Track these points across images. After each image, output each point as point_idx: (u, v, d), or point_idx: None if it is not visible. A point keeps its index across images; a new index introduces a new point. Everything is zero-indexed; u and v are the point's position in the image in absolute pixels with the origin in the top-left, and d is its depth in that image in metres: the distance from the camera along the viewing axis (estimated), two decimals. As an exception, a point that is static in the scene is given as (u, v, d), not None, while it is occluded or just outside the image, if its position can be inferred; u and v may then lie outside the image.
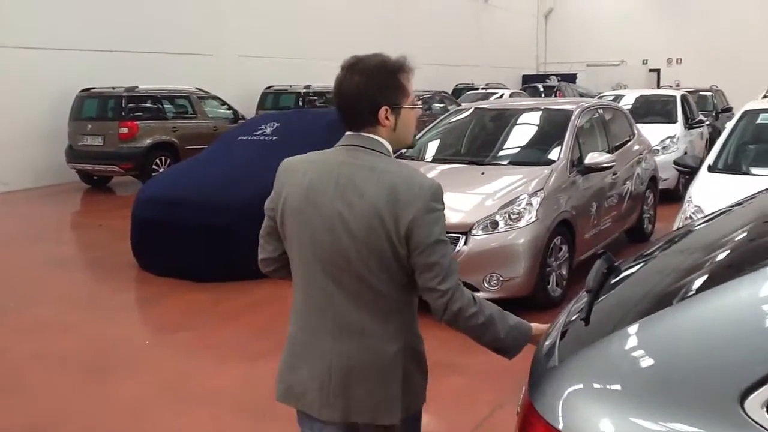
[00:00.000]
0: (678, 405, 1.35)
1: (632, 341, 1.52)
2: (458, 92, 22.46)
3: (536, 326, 2.04)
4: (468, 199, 5.52)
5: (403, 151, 5.53)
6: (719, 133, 7.79)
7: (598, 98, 11.76)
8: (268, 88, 16.68)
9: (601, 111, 7.36)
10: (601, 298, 1.82)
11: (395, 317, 1.94)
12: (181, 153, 12.41)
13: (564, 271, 5.78)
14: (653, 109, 11.76)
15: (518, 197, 5.47)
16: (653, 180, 8.04)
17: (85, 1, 13.73)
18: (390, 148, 1.96)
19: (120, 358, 4.89)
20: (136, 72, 13.70)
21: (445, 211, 1.91)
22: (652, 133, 9.50)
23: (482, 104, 9.14)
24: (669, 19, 29.53)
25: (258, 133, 7.89)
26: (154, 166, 12.17)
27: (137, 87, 12.64)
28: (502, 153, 6.58)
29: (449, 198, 1.95)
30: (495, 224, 5.32)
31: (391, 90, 1.92)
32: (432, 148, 6.85)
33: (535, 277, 5.36)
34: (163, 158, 12.42)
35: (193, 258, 6.54)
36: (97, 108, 12.71)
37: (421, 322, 2.05)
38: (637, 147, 7.75)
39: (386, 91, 1.91)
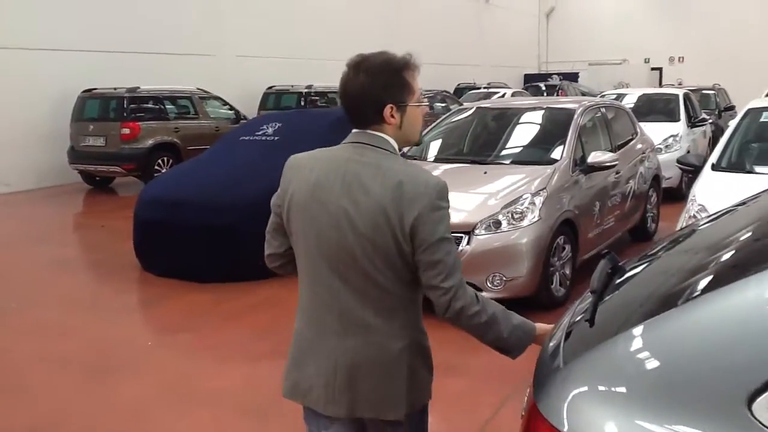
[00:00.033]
0: (684, 408, 1.33)
1: (637, 343, 1.50)
2: (460, 92, 22.45)
3: (540, 326, 2.04)
4: (471, 198, 5.50)
5: (405, 150, 5.51)
6: (722, 131, 7.79)
7: (601, 97, 11.73)
8: (270, 88, 16.68)
9: (603, 110, 7.33)
10: (605, 299, 1.80)
11: (400, 314, 1.95)
12: (183, 153, 12.40)
13: (567, 271, 5.76)
14: (656, 108, 11.73)
15: (521, 197, 5.45)
16: (656, 179, 8.02)
17: (85, 2, 13.73)
18: (396, 146, 1.97)
19: (122, 359, 4.89)
20: (138, 73, 13.71)
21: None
22: (655, 131, 9.47)
23: (484, 104, 9.11)
24: (671, 18, 29.49)
25: (260, 133, 7.88)
26: (156, 167, 12.17)
27: (139, 87, 12.64)
28: (504, 152, 6.56)
29: (452, 198, 1.95)
30: (498, 224, 5.31)
31: (396, 88, 1.92)
32: (434, 147, 6.83)
33: (538, 276, 5.34)
34: (165, 159, 12.42)
35: (195, 259, 6.53)
36: (99, 109, 12.71)
37: (423, 322, 2.04)
38: (639, 146, 7.73)
39: (391, 90, 1.92)
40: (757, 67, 25.35)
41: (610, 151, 6.67)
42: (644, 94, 12.78)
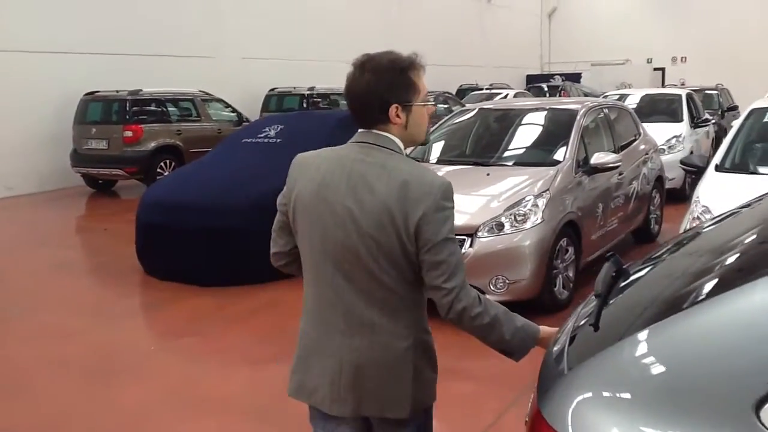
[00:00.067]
0: (689, 414, 1.31)
1: (642, 348, 1.49)
2: (462, 93, 22.43)
3: (544, 329, 2.03)
4: (473, 200, 5.48)
5: (407, 151, 5.49)
6: (725, 131, 7.79)
7: (603, 98, 11.70)
8: (272, 90, 16.68)
9: (606, 110, 7.32)
10: (610, 303, 1.79)
11: (405, 313, 1.95)
12: (185, 156, 12.40)
13: (570, 273, 5.74)
14: (659, 109, 11.70)
15: (524, 198, 5.43)
16: (659, 180, 7.99)
17: (87, 5, 13.74)
18: (402, 146, 1.98)
19: (124, 364, 4.88)
20: (139, 75, 13.72)
21: None
22: (658, 132, 9.44)
23: (486, 105, 9.10)
24: (673, 18, 29.44)
25: (262, 135, 7.87)
26: (158, 170, 12.17)
27: (141, 90, 12.64)
28: (507, 154, 6.54)
29: (454, 199, 1.94)
30: (501, 226, 5.28)
31: (401, 88, 1.93)
32: (436, 149, 6.81)
33: (541, 279, 5.32)
34: (167, 161, 12.42)
35: (197, 262, 6.51)
36: (102, 111, 12.71)
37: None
38: (643, 146, 7.71)
39: (396, 90, 1.92)
40: (760, 67, 25.31)
41: (613, 152, 6.65)
42: (647, 95, 12.75)
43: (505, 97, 19.38)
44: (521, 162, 6.30)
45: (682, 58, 29.98)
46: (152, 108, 12.82)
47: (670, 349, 1.45)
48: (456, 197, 1.96)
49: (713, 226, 2.44)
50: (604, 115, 7.17)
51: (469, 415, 3.97)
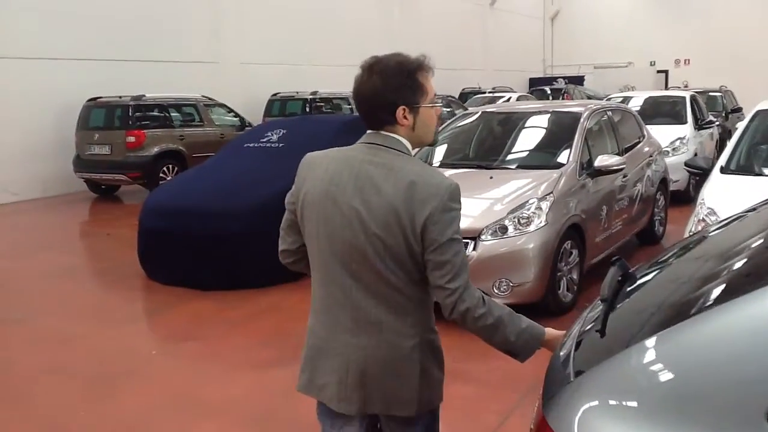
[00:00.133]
0: (698, 423, 1.28)
1: (649, 356, 1.45)
2: (465, 96, 22.40)
3: (550, 331, 2.03)
4: (476, 204, 5.45)
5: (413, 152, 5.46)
6: (729, 133, 7.75)
7: (607, 100, 11.67)
8: (275, 94, 16.67)
9: (609, 113, 7.28)
10: (616, 307, 1.76)
11: (412, 313, 1.96)
12: (188, 161, 12.41)
13: (575, 276, 5.71)
14: (662, 111, 11.67)
15: (527, 201, 5.40)
16: (664, 182, 7.96)
17: (88, 11, 13.76)
18: (410, 147, 1.99)
19: (126, 368, 4.85)
20: (142, 81, 13.75)
21: None
22: (662, 134, 9.42)
23: (489, 108, 9.07)
24: (676, 20, 29.41)
25: (264, 140, 7.86)
26: (161, 175, 12.18)
27: (144, 96, 12.66)
28: (510, 157, 6.51)
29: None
30: (504, 229, 5.26)
31: (408, 90, 1.94)
32: (439, 152, 6.78)
33: (545, 282, 5.28)
34: (170, 166, 12.42)
35: (199, 266, 6.50)
36: (104, 117, 12.73)
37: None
38: (647, 149, 7.67)
39: (403, 91, 1.94)
40: (764, 68, 25.28)
41: (617, 154, 6.62)
42: (650, 97, 12.72)
43: (508, 100, 19.35)
44: (525, 165, 6.26)
45: (685, 60, 29.93)
46: (155, 113, 12.83)
47: (678, 357, 1.41)
48: (460, 200, 1.94)
49: (719, 231, 2.41)
50: (608, 118, 7.14)
51: (471, 418, 3.93)
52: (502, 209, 5.37)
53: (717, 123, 12.67)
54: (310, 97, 16.17)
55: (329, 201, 1.94)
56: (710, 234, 2.44)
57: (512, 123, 7.05)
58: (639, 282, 1.96)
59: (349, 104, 16.20)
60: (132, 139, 12.11)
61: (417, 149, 2.11)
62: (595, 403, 1.42)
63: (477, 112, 7.60)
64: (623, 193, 6.64)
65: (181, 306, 6.14)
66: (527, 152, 6.66)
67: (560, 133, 6.57)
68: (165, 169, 12.35)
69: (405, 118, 1.94)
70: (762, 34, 27.14)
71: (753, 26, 27.35)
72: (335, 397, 1.99)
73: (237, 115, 14.45)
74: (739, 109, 16.16)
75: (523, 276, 5.20)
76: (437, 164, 6.52)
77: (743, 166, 5.66)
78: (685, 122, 11.04)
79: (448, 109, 17.42)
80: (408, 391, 1.96)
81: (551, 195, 5.48)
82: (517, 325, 1.96)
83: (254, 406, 4.19)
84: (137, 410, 4.19)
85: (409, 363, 1.96)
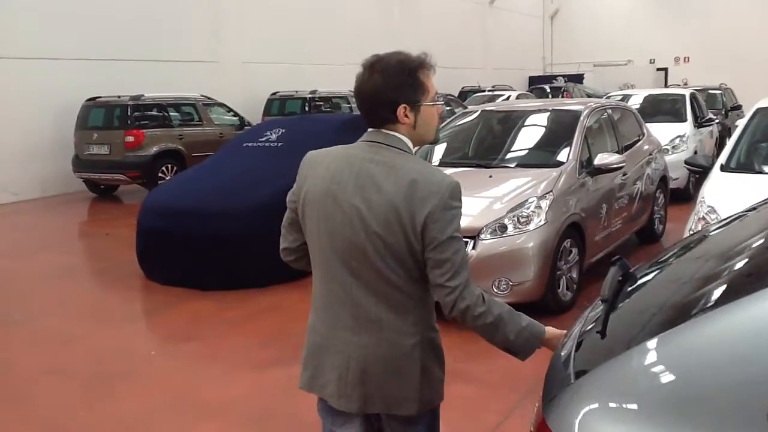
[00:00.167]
0: (700, 425, 1.27)
1: (650, 358, 1.44)
2: (465, 95, 22.37)
3: (550, 330, 2.03)
4: (476, 202, 5.43)
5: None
6: (729, 131, 7.74)
7: (606, 98, 11.66)
8: (274, 94, 16.65)
9: (609, 111, 7.27)
10: (617, 308, 1.75)
11: (413, 311, 1.96)
12: (187, 160, 12.39)
13: (574, 275, 5.70)
14: (662, 109, 11.65)
15: (527, 200, 5.39)
16: (663, 180, 7.95)
17: (88, 11, 13.73)
18: (411, 145, 1.99)
19: (125, 368, 4.84)
20: (141, 80, 13.72)
21: None
22: (662, 132, 9.40)
23: (489, 106, 9.05)
24: (676, 18, 29.38)
25: (263, 139, 7.84)
26: (160, 174, 12.16)
27: (143, 95, 12.64)
28: (510, 155, 6.50)
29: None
30: (504, 228, 5.24)
31: (409, 88, 1.94)
32: (439, 151, 6.77)
33: (545, 281, 5.27)
34: (169, 166, 12.41)
35: (199, 266, 6.48)
36: (103, 117, 12.71)
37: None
38: (646, 147, 7.66)
39: (404, 90, 1.94)
40: (763, 66, 25.24)
41: (617, 152, 6.61)
42: (650, 95, 12.71)
43: (508, 98, 19.34)
44: (524, 164, 6.25)
45: (684, 58, 29.89)
46: (154, 113, 12.81)
47: (680, 359, 1.40)
48: (459, 199, 1.93)
49: (719, 230, 2.40)
50: (608, 116, 7.13)
51: (472, 418, 3.92)
52: (501, 208, 5.35)
53: (717, 121, 12.66)
54: (309, 96, 16.14)
55: (330, 199, 1.94)
56: (711, 233, 2.43)
57: (512, 121, 7.04)
58: (640, 282, 1.94)
59: (349, 103, 16.19)
60: (131, 138, 12.10)
61: (418, 147, 2.10)
62: (596, 405, 1.41)
63: (477, 111, 7.59)
64: (623, 191, 6.63)
65: (180, 306, 6.13)
66: (527, 151, 6.64)
67: (560, 131, 6.55)
68: (164, 168, 12.33)
69: (406, 116, 1.94)
70: (762, 33, 27.11)
71: (753, 25, 27.31)
72: (335, 394, 2.00)
73: (236, 114, 14.43)
74: (738, 107, 16.14)
75: (523, 275, 5.19)
76: (437, 163, 6.50)
77: (743, 164, 5.64)
78: (684, 120, 11.02)
79: (448, 108, 17.40)
80: (409, 389, 1.96)
81: (551, 193, 5.46)
82: (518, 324, 1.96)
83: (254, 406, 4.18)
84: (137, 410, 4.18)
85: (410, 361, 1.95)
